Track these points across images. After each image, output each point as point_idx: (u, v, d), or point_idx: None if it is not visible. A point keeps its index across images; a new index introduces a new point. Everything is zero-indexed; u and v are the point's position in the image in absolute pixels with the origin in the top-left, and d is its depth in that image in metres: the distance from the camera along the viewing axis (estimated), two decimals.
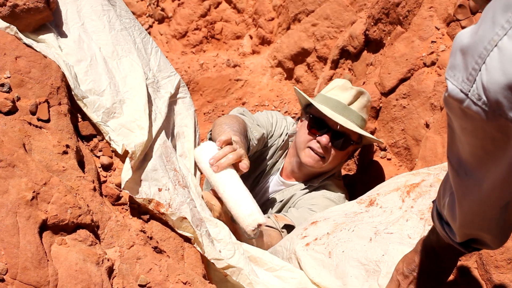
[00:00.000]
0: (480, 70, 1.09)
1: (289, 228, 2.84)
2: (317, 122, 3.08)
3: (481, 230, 1.49)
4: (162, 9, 5.98)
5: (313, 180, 3.23)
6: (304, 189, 3.22)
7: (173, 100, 2.43)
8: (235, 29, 5.67)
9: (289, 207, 3.19)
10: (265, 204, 3.32)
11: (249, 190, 3.30)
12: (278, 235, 2.79)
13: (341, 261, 2.22)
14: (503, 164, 1.20)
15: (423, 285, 1.81)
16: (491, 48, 1.08)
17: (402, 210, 2.34)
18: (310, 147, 3.12)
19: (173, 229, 1.99)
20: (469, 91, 1.11)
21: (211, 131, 2.93)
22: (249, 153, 2.99)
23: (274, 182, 3.37)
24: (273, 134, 3.32)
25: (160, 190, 2.00)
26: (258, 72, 5.32)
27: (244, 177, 3.22)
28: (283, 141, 3.34)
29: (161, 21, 6.02)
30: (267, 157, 3.36)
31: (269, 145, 3.33)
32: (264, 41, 5.44)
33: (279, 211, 3.25)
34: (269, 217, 2.92)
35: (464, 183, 1.36)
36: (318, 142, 3.09)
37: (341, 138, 3.05)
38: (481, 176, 1.28)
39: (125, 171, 1.91)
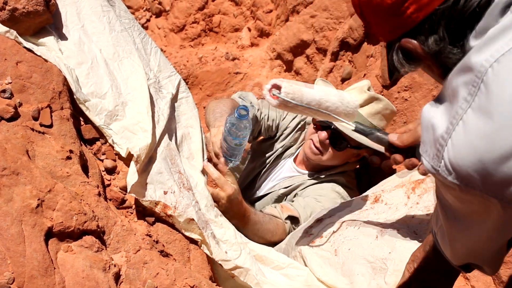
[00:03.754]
0: (446, 146, 1.09)
1: (292, 219, 2.87)
2: None
3: (474, 262, 1.50)
4: (159, 3, 5.95)
5: (321, 172, 3.24)
6: (312, 179, 3.24)
7: (175, 101, 2.42)
8: (233, 22, 5.64)
9: (296, 194, 3.22)
10: (275, 187, 3.33)
11: (260, 170, 3.37)
12: (283, 225, 2.81)
13: (348, 259, 2.21)
14: (487, 224, 1.20)
15: (434, 284, 1.80)
16: (456, 123, 1.08)
17: (408, 207, 2.34)
18: (311, 139, 3.14)
19: (178, 232, 1.99)
20: (439, 167, 1.12)
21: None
22: (252, 133, 3.09)
23: (287, 167, 3.39)
24: (285, 117, 3.34)
25: (165, 193, 1.99)
26: (257, 65, 5.30)
27: (254, 157, 3.27)
28: (297, 125, 3.35)
29: (158, 14, 5.99)
30: (280, 139, 3.39)
31: (281, 128, 3.35)
32: (263, 34, 5.41)
33: (285, 195, 3.27)
34: (275, 207, 2.94)
35: (454, 226, 1.36)
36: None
37: (339, 138, 3.04)
38: (469, 224, 1.28)
39: (131, 175, 1.90)
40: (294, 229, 2.78)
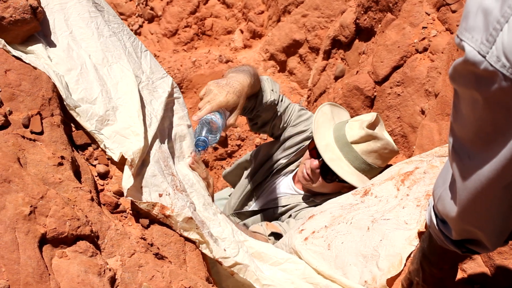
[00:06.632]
0: (501, 30, 1.04)
1: (276, 235, 2.89)
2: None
3: (480, 222, 1.41)
4: (151, 8, 5.96)
5: (316, 197, 3.23)
6: (308, 201, 3.23)
7: (170, 100, 2.42)
8: (225, 24, 5.65)
9: (290, 215, 3.22)
10: (271, 202, 3.33)
11: (259, 182, 3.35)
12: (265, 240, 2.82)
13: (340, 252, 2.24)
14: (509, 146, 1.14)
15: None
16: None
17: (398, 199, 2.35)
18: (305, 164, 3.15)
19: (173, 234, 1.99)
20: (488, 53, 1.06)
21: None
22: (254, 111, 3.06)
23: (285, 184, 3.37)
24: (295, 125, 3.28)
25: (160, 195, 2.00)
26: None
27: (258, 165, 3.25)
28: (301, 141, 3.30)
29: (151, 20, 6.00)
30: (283, 151, 3.35)
31: (286, 133, 3.31)
32: (255, 35, 5.43)
33: (281, 214, 3.27)
34: (261, 225, 2.99)
35: (466, 167, 1.29)
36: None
37: (330, 170, 3.03)
38: (485, 157, 1.22)
39: (126, 179, 1.90)
40: None
